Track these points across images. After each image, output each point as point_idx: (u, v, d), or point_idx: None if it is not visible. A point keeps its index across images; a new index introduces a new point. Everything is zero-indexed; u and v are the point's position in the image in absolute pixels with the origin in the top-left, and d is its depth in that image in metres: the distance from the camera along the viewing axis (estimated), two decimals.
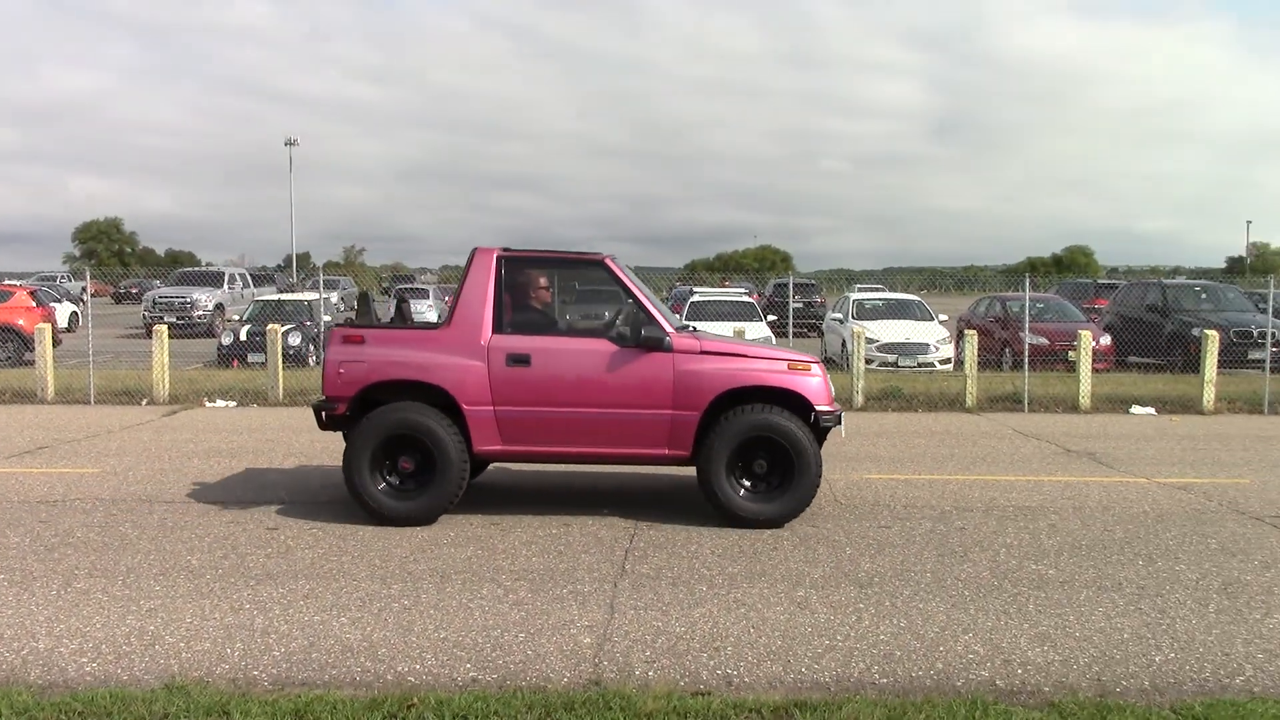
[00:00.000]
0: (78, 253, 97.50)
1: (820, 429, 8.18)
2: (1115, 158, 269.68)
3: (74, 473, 10.13)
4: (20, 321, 22.27)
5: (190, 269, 41.91)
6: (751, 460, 8.08)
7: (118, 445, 11.95)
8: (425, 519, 8.01)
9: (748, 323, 20.64)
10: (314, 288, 29.77)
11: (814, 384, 8.17)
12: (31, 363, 17.86)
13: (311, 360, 20.92)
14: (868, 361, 17.89)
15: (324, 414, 8.24)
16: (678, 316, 10.03)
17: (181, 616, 5.82)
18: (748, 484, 8.10)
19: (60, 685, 4.90)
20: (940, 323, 22.30)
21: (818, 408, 8.09)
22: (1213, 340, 16.49)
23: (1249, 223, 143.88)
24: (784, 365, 8.18)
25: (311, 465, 10.62)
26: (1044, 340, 20.42)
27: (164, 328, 17.22)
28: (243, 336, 21.83)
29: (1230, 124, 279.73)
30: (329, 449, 11.64)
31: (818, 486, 8.09)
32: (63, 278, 56.20)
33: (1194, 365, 17.57)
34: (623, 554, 7.22)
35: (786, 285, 28.79)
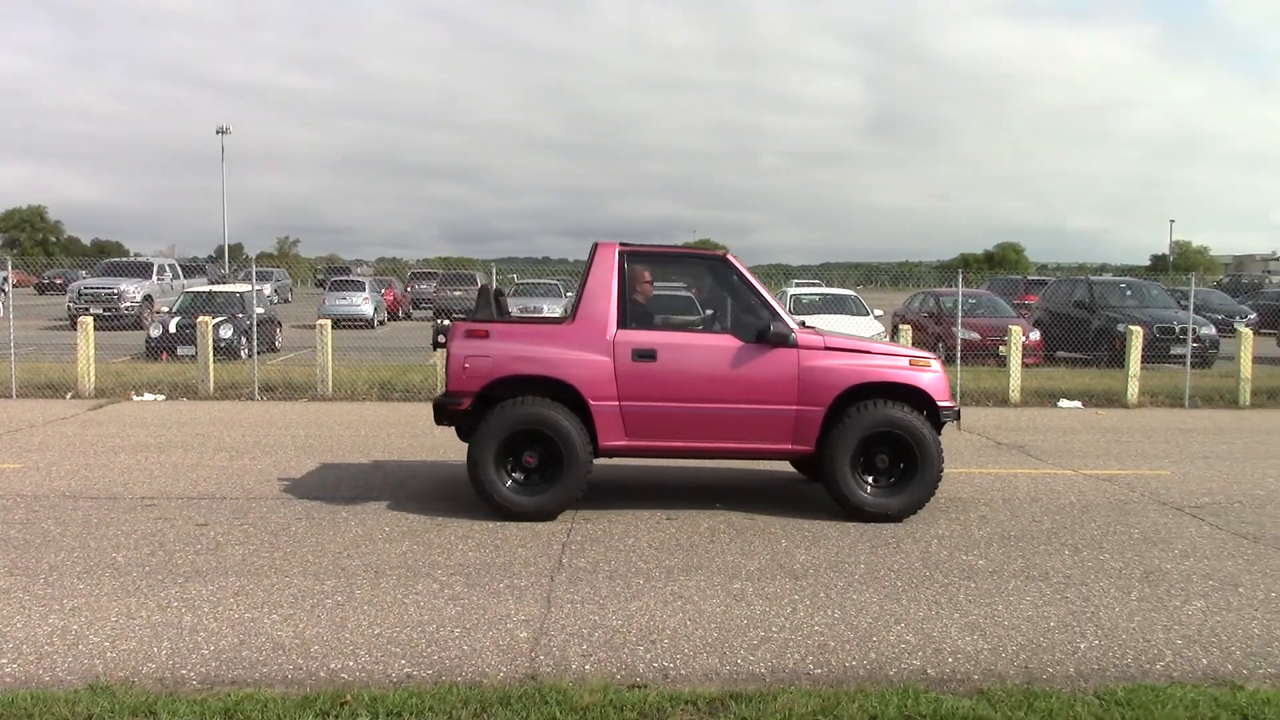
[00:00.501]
0: None
1: (938, 423, 8.29)
2: (1045, 157, 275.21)
3: None
4: None
5: (118, 259, 40.88)
6: (872, 455, 8.18)
7: (40, 440, 11.64)
8: (550, 514, 7.99)
9: (686, 317, 20.65)
10: (246, 279, 29.29)
11: (935, 380, 8.31)
12: None
13: (244, 353, 20.57)
14: None
15: (446, 409, 8.15)
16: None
17: (106, 615, 5.69)
18: (870, 478, 8.22)
19: None
20: (875, 318, 22.53)
21: (939, 403, 8.23)
22: (1137, 336, 16.93)
23: (1172, 222, 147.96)
24: (906, 361, 8.32)
25: (243, 460, 10.44)
26: (976, 335, 20.78)
27: (90, 319, 16.82)
28: (172, 329, 21.41)
29: (1155, 126, 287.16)
30: (261, 443, 11.46)
31: (939, 481, 8.24)
32: None
33: (1119, 360, 18.04)
34: (560, 548, 7.21)
35: None
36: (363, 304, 33.48)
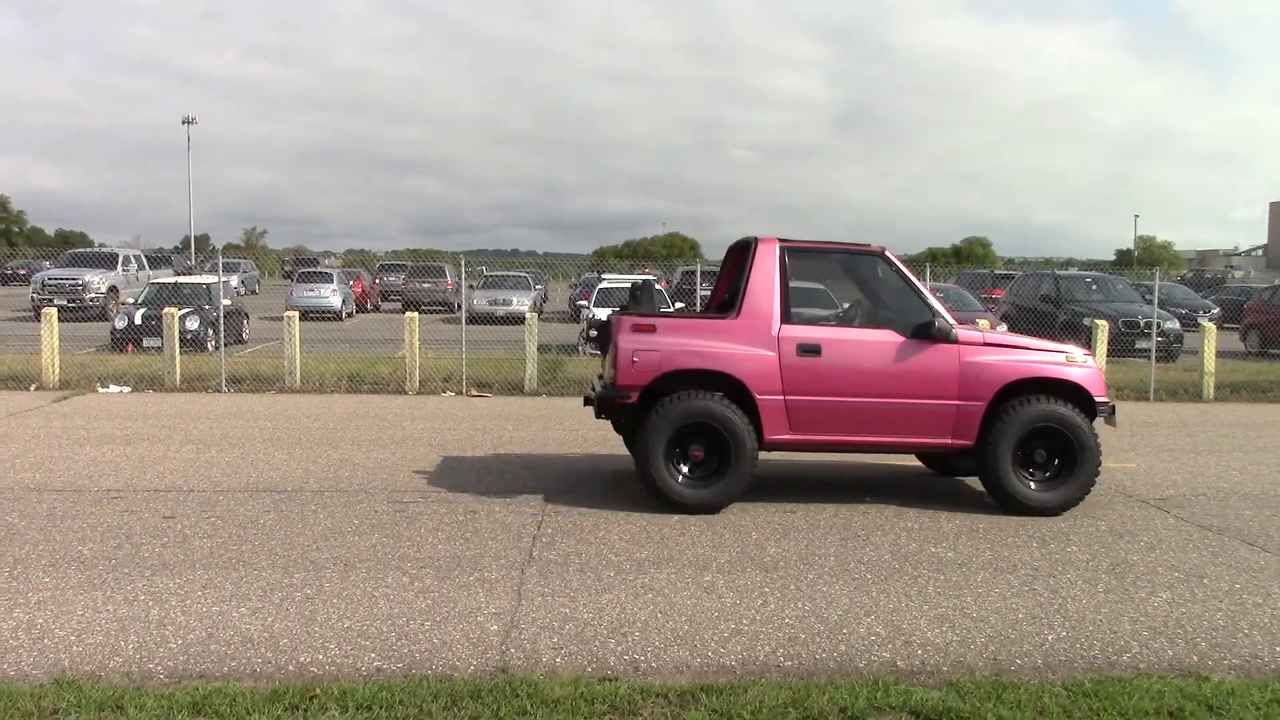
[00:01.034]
0: None
1: (1092, 417, 8.37)
2: (1011, 153, 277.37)
3: None
4: None
5: (82, 250, 40.37)
6: (1029, 450, 8.28)
7: (4, 432, 11.48)
8: (717, 506, 8.04)
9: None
10: (213, 270, 28.99)
11: (1090, 375, 8.41)
12: None
13: (210, 345, 20.37)
14: None
15: (614, 403, 8.13)
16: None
17: (72, 609, 5.62)
18: (1028, 472, 8.32)
19: None
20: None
21: (1096, 398, 8.34)
22: (1103, 330, 17.12)
23: (1136, 217, 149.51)
24: (1063, 357, 8.39)
25: (210, 452, 10.33)
26: None
27: (54, 310, 16.57)
28: (138, 320, 21.14)
29: (1118, 122, 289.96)
30: (228, 435, 11.36)
31: (1097, 476, 8.33)
32: None
33: None
34: (530, 540, 7.19)
35: (694, 272, 28.95)
36: (331, 296, 33.22)
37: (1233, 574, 6.78)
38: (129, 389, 15.57)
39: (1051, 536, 7.62)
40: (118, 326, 21.48)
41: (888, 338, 8.25)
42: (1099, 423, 8.51)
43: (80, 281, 30.31)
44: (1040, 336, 9.73)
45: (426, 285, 36.76)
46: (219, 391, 15.62)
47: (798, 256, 8.46)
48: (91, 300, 29.95)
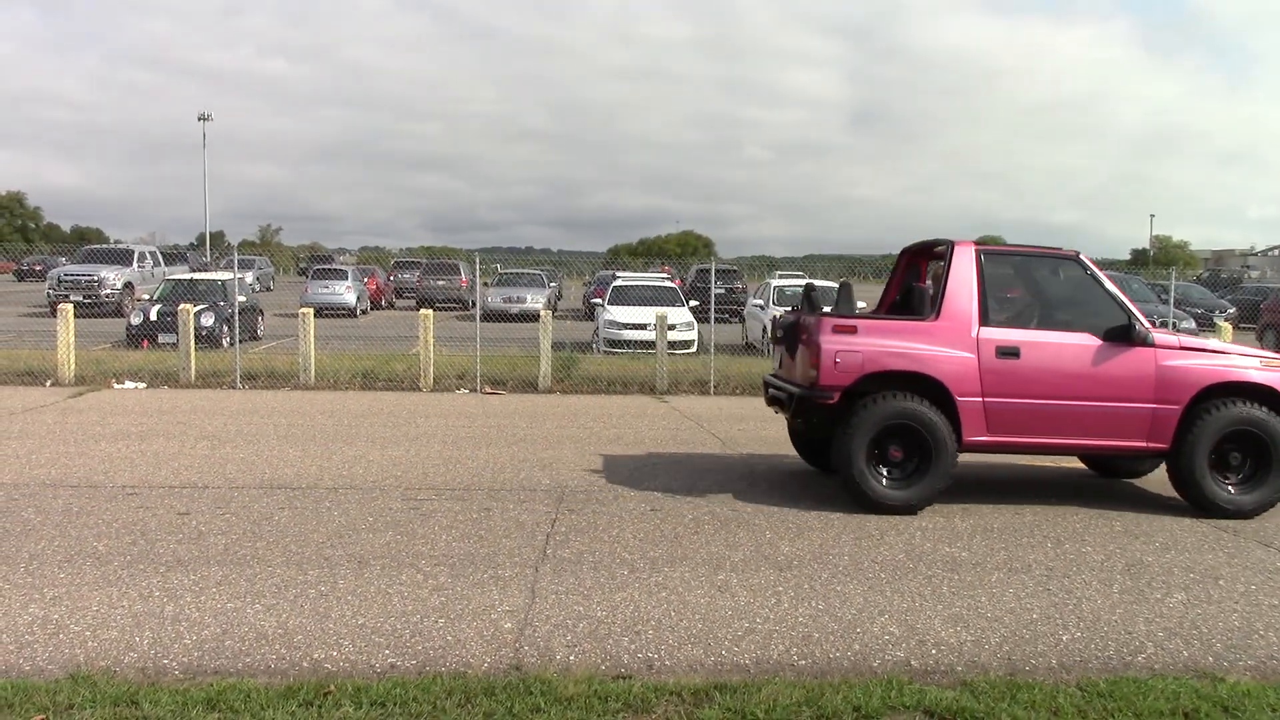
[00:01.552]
0: None
1: None
2: (1025, 151, 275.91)
3: None
4: None
5: (98, 246, 40.51)
6: (1223, 453, 8.31)
7: (20, 428, 11.55)
8: (917, 507, 8.12)
9: (670, 308, 20.72)
10: (228, 267, 29.11)
11: None
12: None
13: (225, 341, 20.44)
14: None
15: (814, 403, 8.19)
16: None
17: (87, 604, 5.65)
18: (1222, 476, 8.36)
19: None
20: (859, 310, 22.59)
21: None
22: None
23: (1152, 216, 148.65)
24: (1258, 362, 8.43)
25: (225, 448, 10.37)
26: None
27: (70, 306, 16.68)
28: (153, 316, 21.25)
29: (1133, 121, 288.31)
30: (243, 432, 11.40)
31: None
32: None
33: None
34: (544, 538, 7.20)
35: (708, 271, 28.95)
36: (345, 293, 33.29)
37: (1249, 575, 6.74)
38: (144, 385, 15.65)
39: (1066, 537, 7.59)
40: (133, 323, 21.59)
41: (1085, 340, 8.30)
42: None
43: (96, 278, 30.47)
44: None
45: (441, 282, 36.79)
46: (234, 388, 15.69)
47: (993, 259, 8.55)
48: (107, 296, 30.10)
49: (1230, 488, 8.34)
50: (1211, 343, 8.85)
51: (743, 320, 26.33)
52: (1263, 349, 9.30)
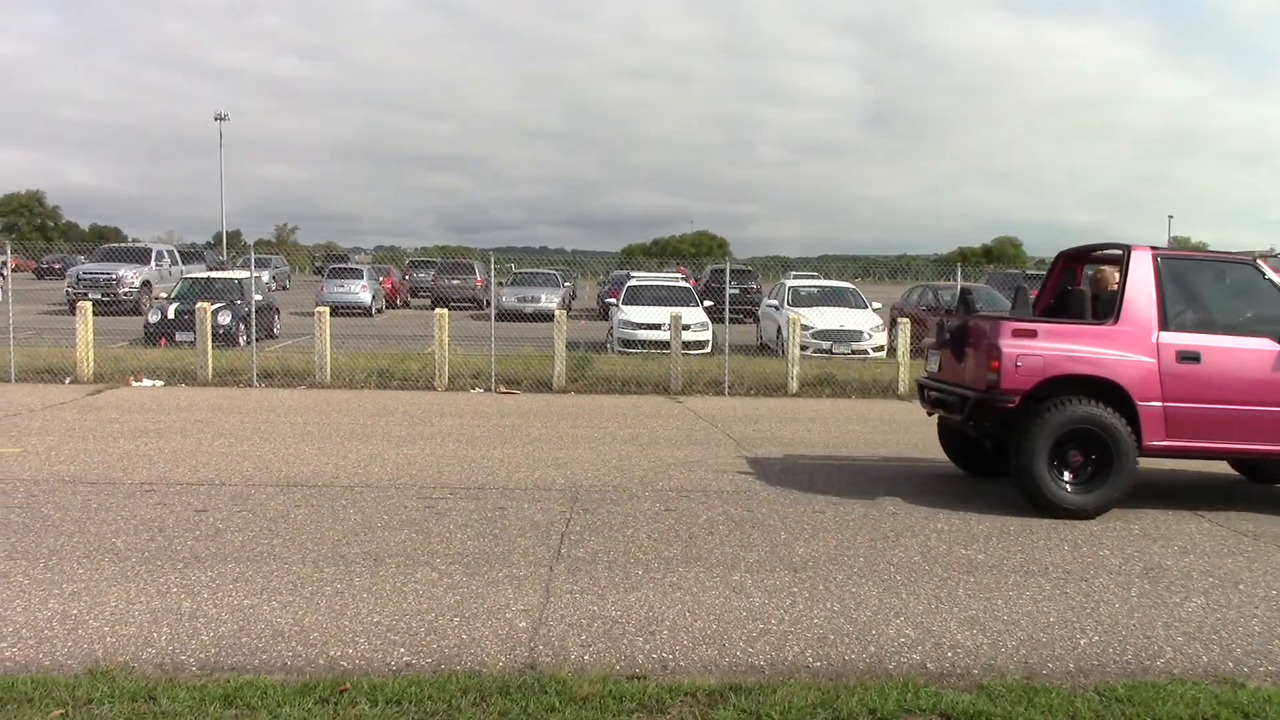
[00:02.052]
0: None
1: None
2: (1042, 151, 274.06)
3: None
4: None
5: (116, 245, 40.73)
6: None
7: (40, 424, 11.62)
8: (1096, 512, 8.14)
9: (684, 308, 20.72)
10: (245, 266, 29.22)
11: None
12: None
13: (242, 340, 20.53)
14: (803, 348, 18.05)
15: (994, 406, 8.21)
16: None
17: (106, 600, 5.68)
18: None
19: None
20: (874, 310, 22.57)
21: None
22: None
23: (1170, 217, 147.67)
24: None
25: (242, 446, 10.42)
26: None
27: (88, 304, 16.79)
28: (171, 314, 21.36)
29: (1149, 121, 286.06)
30: (260, 430, 11.45)
31: None
32: None
33: None
34: (559, 538, 7.20)
35: (723, 271, 28.93)
36: (361, 292, 33.40)
37: (1269, 579, 6.69)
38: (162, 383, 15.74)
39: (1084, 540, 7.55)
40: (151, 321, 21.71)
41: (1266, 346, 8.29)
42: None
43: (114, 276, 30.66)
44: None
45: (455, 282, 36.86)
46: (250, 386, 15.76)
47: (1170, 264, 8.53)
48: (125, 295, 30.29)
49: None
50: None
51: (757, 321, 26.30)
52: None
